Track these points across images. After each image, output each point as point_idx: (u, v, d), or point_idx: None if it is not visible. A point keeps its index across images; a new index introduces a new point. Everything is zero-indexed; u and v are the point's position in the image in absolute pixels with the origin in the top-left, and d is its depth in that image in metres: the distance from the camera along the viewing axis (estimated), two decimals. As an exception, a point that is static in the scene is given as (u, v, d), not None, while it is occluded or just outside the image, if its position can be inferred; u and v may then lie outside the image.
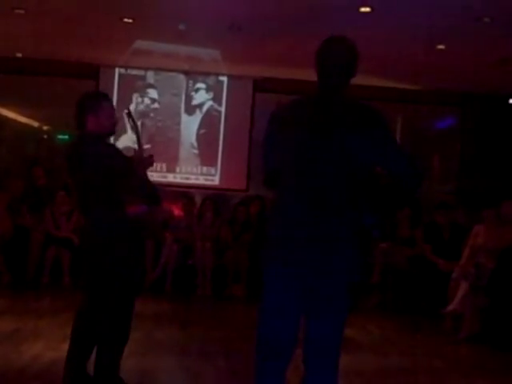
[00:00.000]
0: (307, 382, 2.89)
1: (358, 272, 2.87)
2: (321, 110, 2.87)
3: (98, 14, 7.23)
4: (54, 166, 9.37)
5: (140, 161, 3.94)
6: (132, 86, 10.20)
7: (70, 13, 7.22)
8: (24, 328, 5.68)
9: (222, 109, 10.32)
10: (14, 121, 10.63)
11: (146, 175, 4.02)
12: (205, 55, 8.97)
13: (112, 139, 8.93)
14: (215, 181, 10.36)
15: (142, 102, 10.25)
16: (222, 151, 10.31)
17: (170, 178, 10.19)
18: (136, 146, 4.05)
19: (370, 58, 7.19)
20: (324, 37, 2.95)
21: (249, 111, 10.26)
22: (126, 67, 10.09)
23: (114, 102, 9.78)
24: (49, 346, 5.08)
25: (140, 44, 8.58)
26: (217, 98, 10.33)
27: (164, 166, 10.14)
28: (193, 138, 10.32)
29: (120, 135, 9.46)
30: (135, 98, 10.20)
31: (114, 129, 4.02)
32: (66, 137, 10.22)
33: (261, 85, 10.21)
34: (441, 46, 7.68)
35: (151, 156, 4.04)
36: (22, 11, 7.22)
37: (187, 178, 10.29)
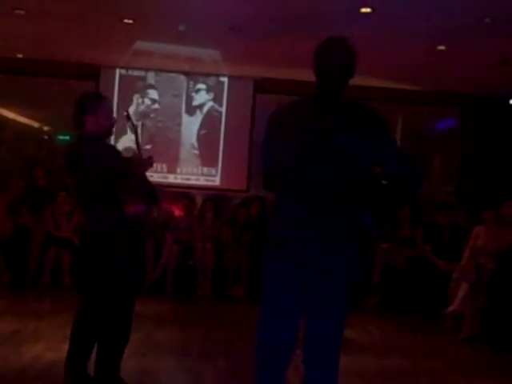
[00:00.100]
0: (307, 382, 2.89)
1: (358, 272, 2.87)
2: (320, 111, 2.88)
3: (99, 14, 7.23)
4: (54, 166, 9.37)
5: (139, 162, 3.95)
6: (132, 87, 10.21)
7: (70, 14, 7.22)
8: (24, 329, 5.68)
9: (223, 109, 10.33)
10: (15, 121, 10.63)
11: (144, 176, 4.03)
12: (205, 56, 8.97)
13: (112, 140, 9.02)
14: (216, 181, 10.36)
15: (143, 102, 10.25)
16: (223, 152, 10.31)
17: (171, 178, 10.19)
18: (135, 147, 4.07)
19: (370, 58, 7.22)
20: (325, 37, 2.96)
21: (249, 112, 10.26)
22: (127, 68, 10.10)
23: (115, 103, 9.85)
24: (49, 346, 5.08)
25: (140, 45, 8.58)
26: (217, 99, 10.33)
27: (165, 166, 10.14)
28: (193, 139, 10.32)
29: (120, 136, 9.48)
30: (136, 98, 10.21)
31: (112, 129, 4.05)
32: (67, 137, 10.22)
33: (261, 85, 10.21)
34: (441, 47, 7.68)
35: (150, 157, 4.05)
36: (22, 12, 7.23)
37: (188, 179, 10.29)
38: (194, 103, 10.33)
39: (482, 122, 10.46)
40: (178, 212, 8.93)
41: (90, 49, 8.92)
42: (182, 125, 10.31)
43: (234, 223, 8.66)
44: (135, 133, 4.12)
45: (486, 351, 6.00)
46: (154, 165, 4.16)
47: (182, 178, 10.28)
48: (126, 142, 9.21)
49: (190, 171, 10.30)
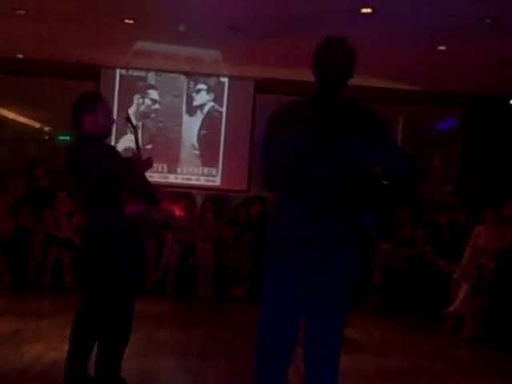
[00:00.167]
0: (307, 382, 2.89)
1: (358, 272, 2.87)
2: (319, 111, 2.88)
3: (99, 14, 7.24)
4: (55, 166, 9.37)
5: (138, 162, 3.96)
6: (133, 87, 10.21)
7: (70, 14, 7.22)
8: (25, 329, 5.68)
9: (223, 110, 10.33)
10: (15, 121, 10.64)
11: (144, 176, 4.04)
12: (206, 56, 8.97)
13: (113, 140, 9.03)
14: (216, 182, 10.37)
15: (143, 103, 10.25)
16: (223, 152, 10.32)
17: (171, 178, 10.19)
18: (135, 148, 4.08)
19: (371, 58, 7.23)
20: (325, 38, 2.96)
21: (250, 112, 10.26)
22: (127, 68, 10.10)
23: (115, 103, 9.86)
24: (50, 346, 5.08)
25: (141, 45, 8.59)
26: (218, 99, 10.33)
27: (165, 166, 10.14)
28: (194, 139, 10.33)
29: (121, 136, 9.48)
30: (136, 99, 10.21)
31: (111, 129, 4.08)
32: (67, 137, 10.22)
33: (262, 86, 10.22)
34: (442, 47, 7.68)
35: (150, 158, 4.06)
36: (22, 12, 7.23)
37: (188, 179, 10.30)
38: (195, 103, 10.33)
39: (483, 122, 10.46)
40: (178, 212, 8.93)
41: (90, 49, 8.92)
42: (182, 125, 10.31)
43: (234, 223, 8.66)
44: (135, 135, 4.13)
45: (487, 351, 6.00)
46: (155, 165, 4.17)
47: (183, 178, 10.28)
48: (126, 143, 9.21)
49: (190, 171, 10.31)
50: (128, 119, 4.18)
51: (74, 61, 9.62)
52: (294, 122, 2.93)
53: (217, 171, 10.35)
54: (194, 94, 10.31)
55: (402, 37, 7.27)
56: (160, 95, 10.27)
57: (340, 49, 2.92)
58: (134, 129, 4.22)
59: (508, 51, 7.50)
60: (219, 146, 10.32)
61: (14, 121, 10.62)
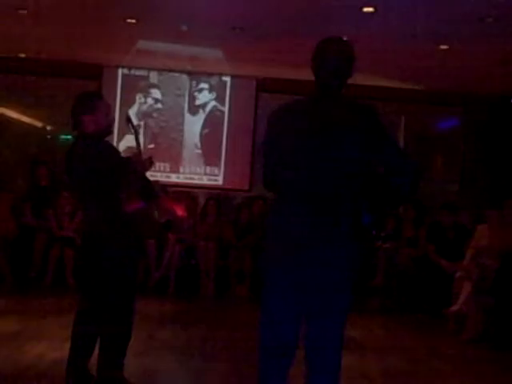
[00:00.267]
0: (309, 382, 2.89)
1: (358, 271, 2.88)
2: (319, 111, 2.88)
3: (101, 14, 7.23)
4: (57, 166, 9.36)
5: (138, 162, 3.97)
6: (135, 87, 10.21)
7: (73, 13, 7.22)
8: (27, 328, 5.69)
9: (226, 109, 10.33)
10: (18, 121, 10.63)
11: (144, 176, 4.05)
12: (208, 55, 8.97)
13: (114, 140, 9.03)
14: (218, 181, 10.36)
15: (145, 102, 10.25)
16: (226, 151, 10.31)
17: (174, 178, 10.19)
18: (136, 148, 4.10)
19: (372, 57, 7.22)
20: (327, 36, 2.96)
21: (252, 111, 10.26)
22: (129, 67, 10.10)
23: (117, 103, 9.87)
24: (52, 346, 5.08)
25: (143, 44, 8.58)
26: (220, 98, 10.33)
27: (167, 166, 10.13)
28: (196, 138, 10.33)
29: (123, 136, 9.48)
30: (138, 98, 10.21)
31: (111, 128, 4.09)
32: (69, 137, 10.21)
33: (264, 85, 10.22)
34: (444, 46, 7.67)
35: (150, 158, 4.07)
36: (25, 12, 7.23)
37: (190, 178, 10.29)
38: (197, 103, 10.33)
39: (485, 121, 10.44)
40: (180, 211, 8.92)
41: (92, 48, 8.92)
42: (184, 124, 10.31)
43: (236, 223, 8.66)
44: (136, 136, 4.15)
45: (490, 351, 5.99)
46: (157, 164, 4.19)
47: (185, 178, 10.28)
48: (128, 142, 9.20)
49: (192, 171, 10.30)
50: (128, 120, 4.19)
51: (77, 60, 9.61)
52: (293, 121, 2.93)
53: (219, 170, 10.35)
54: (196, 93, 10.31)
55: (404, 36, 7.26)
56: (162, 94, 10.26)
57: (339, 48, 2.93)
58: (135, 129, 4.24)
59: (510, 51, 7.49)
60: (221, 145, 10.32)
61: (16, 120, 10.62)
